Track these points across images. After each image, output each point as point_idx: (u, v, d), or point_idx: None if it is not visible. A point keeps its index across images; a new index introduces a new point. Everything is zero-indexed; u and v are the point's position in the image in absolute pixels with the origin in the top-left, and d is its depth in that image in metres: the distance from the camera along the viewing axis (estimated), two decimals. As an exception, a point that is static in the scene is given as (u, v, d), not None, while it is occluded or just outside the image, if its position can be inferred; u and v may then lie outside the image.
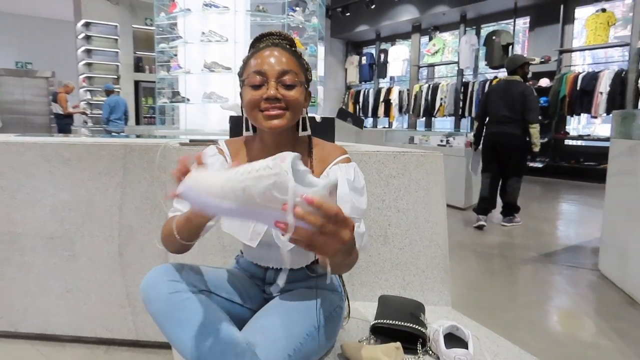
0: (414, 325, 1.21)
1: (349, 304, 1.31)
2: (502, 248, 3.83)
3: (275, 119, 1.05)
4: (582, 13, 8.17)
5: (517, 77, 4.35)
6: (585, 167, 7.87)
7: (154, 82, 10.03)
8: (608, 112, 7.33)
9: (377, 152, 1.56)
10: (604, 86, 7.26)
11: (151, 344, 2.05)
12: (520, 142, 4.29)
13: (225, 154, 1.21)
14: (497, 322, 2.38)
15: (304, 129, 1.13)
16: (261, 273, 1.23)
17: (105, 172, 1.97)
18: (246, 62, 1.11)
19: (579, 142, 8.34)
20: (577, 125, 8.95)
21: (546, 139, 8.33)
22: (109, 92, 8.31)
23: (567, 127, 8.52)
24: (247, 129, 1.18)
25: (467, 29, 9.76)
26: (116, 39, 10.24)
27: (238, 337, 0.96)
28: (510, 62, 4.46)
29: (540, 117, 4.32)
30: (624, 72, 7.18)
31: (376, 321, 1.24)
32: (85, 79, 10.11)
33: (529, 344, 2.14)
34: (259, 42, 1.15)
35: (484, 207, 4.48)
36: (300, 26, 5.17)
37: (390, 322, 1.22)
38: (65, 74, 10.05)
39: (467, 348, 1.10)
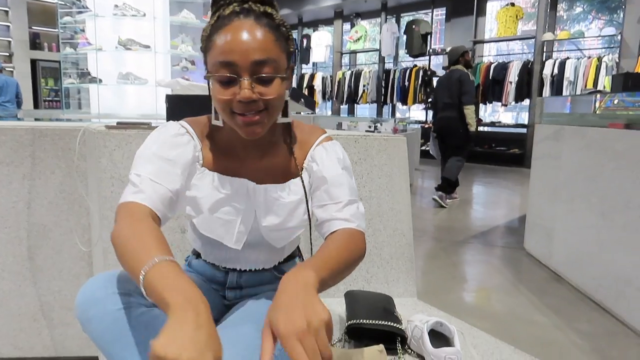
0: (392, 324, 1.11)
1: None
2: (432, 232, 3.92)
3: (255, 125, 0.84)
4: (493, 6, 8.66)
5: (459, 66, 4.65)
6: (497, 152, 8.43)
7: (55, 61, 9.07)
8: (516, 100, 7.88)
9: (336, 135, 1.44)
10: (513, 76, 7.78)
11: (74, 359, 1.77)
12: (457, 124, 4.60)
13: (193, 136, 0.95)
14: (444, 305, 2.39)
15: (284, 114, 0.93)
16: (222, 276, 1.06)
17: (7, 162, 1.64)
18: (209, 36, 0.84)
19: (490, 129, 8.90)
20: (484, 114, 9.54)
21: (462, 126, 8.80)
22: None
23: (479, 114, 9.04)
24: (217, 119, 0.93)
25: (387, 17, 9.93)
26: (6, 11, 9.02)
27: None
28: (451, 54, 4.76)
29: (475, 100, 4.71)
30: (530, 63, 7.73)
31: (351, 322, 1.12)
32: (-32, 55, 8.83)
33: (476, 324, 2.16)
34: (224, 0, 0.86)
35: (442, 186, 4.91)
36: None
37: (367, 321, 1.11)
38: (-58, 50, 8.70)
39: (451, 345, 1.02)
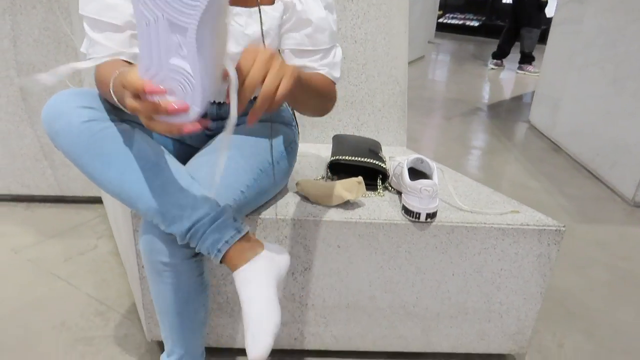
0: (374, 161, 1.12)
1: (298, 130, 1.17)
2: (438, 102, 3.84)
3: None
4: None
5: None
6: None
7: None
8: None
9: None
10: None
11: (79, 199, 1.87)
12: None
13: None
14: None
15: None
16: None
17: (-16, -6, 1.55)
18: None
19: (516, 1, 8.21)
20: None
21: (485, -4, 8.12)
22: None
23: (506, -17, 8.28)
24: None
25: None
26: None
27: (180, 169, 0.80)
28: None
29: None
30: None
31: (334, 157, 1.14)
32: None
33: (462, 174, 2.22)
34: None
35: (497, 53, 5.41)
36: None
37: (349, 157, 1.12)
38: None
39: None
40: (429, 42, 6.58)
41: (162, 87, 0.55)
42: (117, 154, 0.76)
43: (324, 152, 1.34)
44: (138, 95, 0.55)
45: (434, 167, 1.05)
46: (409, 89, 3.89)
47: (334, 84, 0.95)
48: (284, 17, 0.91)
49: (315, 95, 0.86)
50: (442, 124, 3.28)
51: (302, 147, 1.26)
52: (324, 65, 0.92)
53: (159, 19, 0.53)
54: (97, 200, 1.87)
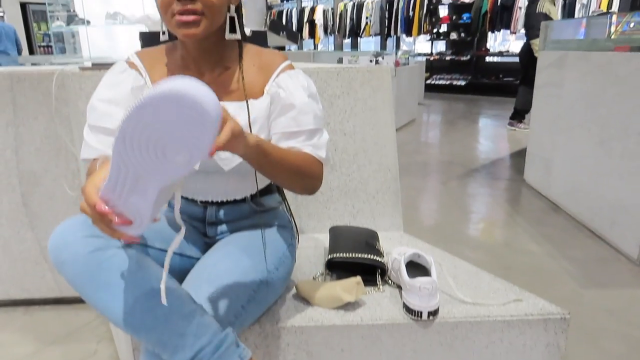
0: (371, 256, 1.12)
1: (297, 231, 1.18)
2: (433, 166, 3.91)
3: (191, 27, 0.85)
4: None
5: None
6: (504, 83, 8.18)
7: (44, 4, 8.74)
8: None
9: (318, 69, 1.39)
10: (522, 1, 7.36)
11: (78, 300, 1.84)
12: (525, 55, 4.84)
13: (139, 67, 0.99)
14: (438, 239, 2.43)
15: (232, 30, 0.93)
16: (200, 212, 1.07)
17: (-11, 109, 1.62)
18: None
19: (498, 59, 8.59)
20: (493, 43, 9.16)
21: (468, 57, 8.49)
22: None
23: (487, 44, 8.69)
24: (164, 33, 0.96)
25: (390, -60, 9.29)
26: (-10, -48, 8.59)
27: (182, 294, 0.81)
28: None
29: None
30: (541, -14, 7.29)
31: (331, 255, 1.14)
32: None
33: (468, 256, 2.21)
34: None
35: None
36: None
37: (346, 255, 1.13)
38: None
39: (429, 275, 1.03)
40: (419, 103, 6.79)
41: (113, 210, 0.63)
42: (121, 284, 0.78)
43: (322, 243, 1.35)
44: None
45: (431, 261, 1.05)
46: (403, 154, 3.98)
47: (320, 163, 0.97)
48: (271, 107, 0.97)
49: (288, 169, 0.89)
50: (438, 188, 3.31)
51: (300, 239, 1.27)
52: (311, 146, 0.95)
53: (132, 171, 0.60)
54: (97, 299, 1.85)
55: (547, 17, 4.37)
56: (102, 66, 1.39)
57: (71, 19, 4.31)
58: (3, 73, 1.61)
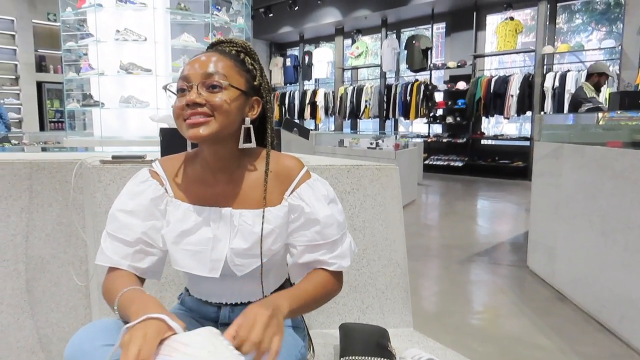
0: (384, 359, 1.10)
1: (310, 340, 1.17)
2: (437, 250, 3.90)
3: (198, 128, 0.90)
4: (493, 20, 8.71)
5: (586, 83, 4.34)
6: (500, 165, 8.40)
7: (60, 83, 9.18)
8: (518, 113, 7.88)
9: (329, 166, 1.44)
10: (514, 89, 7.78)
11: (71, 393, 1.76)
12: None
13: (161, 176, 1.02)
14: (447, 329, 2.37)
15: (246, 140, 0.96)
16: (214, 312, 1.06)
17: (5, 196, 1.66)
18: (181, 70, 0.97)
19: (494, 142, 8.88)
20: (487, 125, 9.53)
21: (465, 139, 8.79)
22: None
23: (482, 127, 9.04)
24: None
25: (388, 32, 10.01)
26: (13, 35, 9.18)
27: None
28: (589, 68, 4.49)
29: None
30: (531, 76, 7.75)
31: (344, 358, 1.12)
32: (-24, 79, 8.96)
33: (477, 350, 2.14)
34: (206, 51, 1.01)
35: None
36: (226, 26, 4.93)
37: (360, 358, 1.10)
38: (-49, 74, 8.85)
39: (445, 382, 1.01)
40: (418, 184, 6.92)
41: None
42: None
43: (331, 340, 1.32)
44: None
45: (446, 368, 1.03)
46: (405, 236, 3.96)
47: (341, 274, 1.01)
48: (292, 217, 0.99)
49: (314, 304, 0.95)
50: (442, 274, 3.28)
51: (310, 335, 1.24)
52: (334, 258, 0.98)
53: None
54: (91, 393, 1.76)
55: (588, 100, 4.15)
56: (121, 159, 1.45)
57: (86, 98, 4.51)
58: (24, 161, 1.66)
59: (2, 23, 9.06)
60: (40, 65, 9.65)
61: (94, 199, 1.42)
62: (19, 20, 9.18)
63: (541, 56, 7.69)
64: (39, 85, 9.59)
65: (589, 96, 4.12)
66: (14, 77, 9.30)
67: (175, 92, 0.95)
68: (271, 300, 0.83)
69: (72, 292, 1.71)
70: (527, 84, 7.70)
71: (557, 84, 7.31)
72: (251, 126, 0.97)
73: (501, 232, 4.55)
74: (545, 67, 7.77)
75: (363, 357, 1.10)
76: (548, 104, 7.44)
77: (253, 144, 0.98)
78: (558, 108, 7.23)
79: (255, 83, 0.98)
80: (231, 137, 0.96)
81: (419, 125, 10.23)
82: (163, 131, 1.50)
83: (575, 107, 4.15)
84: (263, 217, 0.96)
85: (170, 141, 1.48)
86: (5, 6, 9.02)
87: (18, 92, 9.34)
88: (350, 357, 1.11)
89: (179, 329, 0.73)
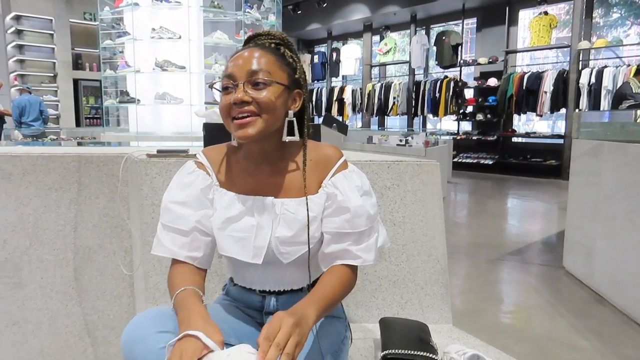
0: (428, 354, 1.11)
1: (350, 331, 1.18)
2: (467, 249, 3.85)
3: (247, 128, 0.93)
4: (526, 15, 8.51)
5: (634, 79, 4.22)
6: (532, 164, 8.22)
7: (96, 80, 9.50)
8: (552, 110, 7.68)
9: (370, 161, 1.45)
10: (547, 86, 7.59)
11: (115, 379, 1.83)
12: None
13: (206, 167, 1.06)
14: (480, 328, 2.35)
15: (289, 133, 0.99)
16: (259, 301, 1.08)
17: (56, 187, 1.73)
18: (225, 67, 0.99)
19: (525, 139, 8.69)
20: (518, 123, 9.32)
21: (495, 137, 8.63)
22: (23, 91, 7.47)
23: (513, 124, 8.85)
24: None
25: (417, 29, 9.92)
26: (51, 34, 9.50)
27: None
28: None
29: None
30: (565, 72, 7.54)
31: (387, 351, 1.13)
32: (16, 77, 9.31)
33: (513, 349, 2.12)
34: (246, 44, 1.02)
35: None
36: (257, 23, 4.98)
37: (402, 351, 1.11)
38: (-7, 72, 9.22)
39: (489, 378, 1.01)
40: (448, 181, 6.84)
41: None
42: None
43: (370, 334, 1.33)
44: None
45: (491, 364, 1.03)
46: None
47: (356, 268, 1.01)
48: (326, 204, 1.02)
49: (336, 304, 0.97)
50: (472, 273, 3.24)
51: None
52: (359, 251, 0.99)
53: None
54: (134, 379, 1.82)
55: (633, 95, 4.00)
56: (167, 153, 1.50)
57: (123, 95, 4.64)
58: (73, 155, 1.73)
59: (41, 22, 9.39)
60: (77, 63, 9.97)
61: (141, 192, 1.46)
62: (57, 19, 9.50)
63: (577, 52, 7.48)
64: (75, 82, 9.91)
65: (634, 92, 3.97)
66: (52, 74, 9.64)
67: (220, 90, 0.97)
68: (299, 310, 0.84)
69: (117, 281, 1.78)
70: (562, 80, 7.50)
71: (593, 80, 7.09)
72: (294, 119, 1.00)
73: (533, 231, 4.46)
74: (580, 62, 7.55)
75: (405, 351, 1.11)
76: (583, 101, 7.22)
77: (297, 137, 1.00)
78: (594, 105, 7.01)
79: (296, 76, 1.01)
80: (275, 131, 0.98)
81: (448, 123, 10.10)
82: (207, 126, 1.54)
83: (619, 102, 4.01)
84: (307, 205, 0.98)
85: (214, 136, 1.52)
86: (45, 6, 9.34)
87: (56, 89, 9.66)
88: (392, 351, 1.12)
89: (215, 346, 0.76)
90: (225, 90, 0.96)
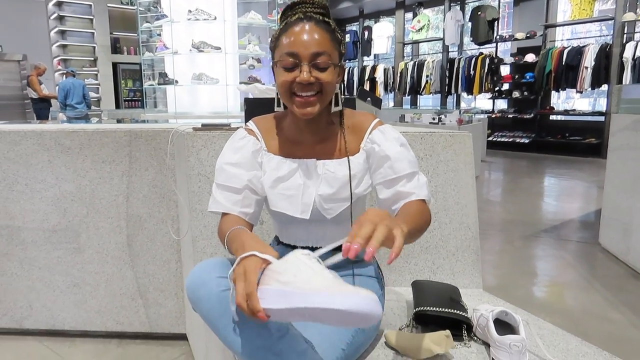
0: (458, 312, 1.17)
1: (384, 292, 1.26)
2: (502, 225, 3.85)
3: (309, 106, 1.02)
4: (567, -13, 8.15)
5: None
6: (571, 142, 7.98)
7: (134, 63, 9.79)
8: (592, 87, 7.41)
9: (403, 132, 1.50)
10: (589, 61, 7.31)
11: (165, 336, 1.99)
12: None
13: (256, 134, 1.16)
14: (512, 300, 2.38)
15: (337, 104, 1.10)
16: None
17: (109, 161, 1.87)
18: (278, 37, 1.05)
19: (564, 117, 8.43)
20: (557, 100, 9.03)
21: (532, 115, 8.41)
22: (67, 75, 7.80)
23: (551, 102, 8.59)
24: (279, 105, 1.12)
25: (451, 4, 9.66)
26: (91, 19, 9.81)
27: (297, 334, 0.90)
28: None
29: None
30: (608, 47, 7.23)
31: (419, 308, 1.20)
32: (60, 61, 9.70)
33: (545, 319, 2.15)
34: (291, 12, 1.06)
35: None
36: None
37: (435, 309, 1.18)
38: (38, 57, 9.53)
39: (517, 333, 1.07)
40: (482, 160, 6.76)
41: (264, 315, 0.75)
42: (247, 321, 0.87)
43: (403, 296, 1.41)
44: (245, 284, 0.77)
45: (519, 320, 1.08)
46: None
47: (426, 202, 1.06)
48: (369, 161, 1.11)
49: (419, 232, 0.99)
50: (506, 249, 3.26)
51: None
52: (413, 188, 1.05)
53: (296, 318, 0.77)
54: (182, 337, 1.98)
55: None
56: (211, 126, 1.59)
57: (162, 77, 4.80)
58: (124, 130, 1.86)
59: (81, 8, 9.69)
60: (115, 47, 10.26)
61: (188, 163, 1.57)
62: (96, 4, 9.78)
63: (620, 24, 7.14)
64: (114, 66, 10.22)
65: None
66: (92, 58, 9.97)
67: (285, 67, 1.02)
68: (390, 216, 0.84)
69: (165, 247, 1.92)
70: (604, 54, 7.20)
71: (638, 54, 6.78)
72: (339, 91, 1.09)
73: (570, 209, 4.39)
74: (625, 36, 7.21)
75: (437, 308, 1.18)
76: (627, 76, 6.93)
77: (340, 107, 1.11)
78: (639, 80, 6.72)
79: (342, 51, 1.08)
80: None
81: (482, 101, 9.88)
82: (248, 101, 1.62)
83: None
84: (349, 163, 1.08)
85: (254, 110, 1.60)
86: (84, -8, 9.62)
87: (96, 72, 10.01)
88: (424, 308, 1.19)
89: (272, 259, 0.81)
90: (288, 68, 1.01)
